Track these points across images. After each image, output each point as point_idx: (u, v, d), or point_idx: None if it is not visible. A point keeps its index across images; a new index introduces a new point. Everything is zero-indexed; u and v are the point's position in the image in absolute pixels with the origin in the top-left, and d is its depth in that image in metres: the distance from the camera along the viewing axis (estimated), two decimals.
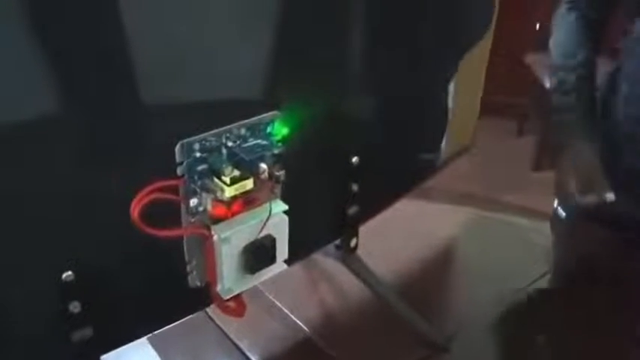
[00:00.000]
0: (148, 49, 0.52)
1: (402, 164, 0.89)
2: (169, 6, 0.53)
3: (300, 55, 0.66)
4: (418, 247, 1.27)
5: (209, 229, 0.59)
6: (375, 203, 0.86)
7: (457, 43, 0.91)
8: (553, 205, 1.01)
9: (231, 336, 1.03)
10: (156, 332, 0.67)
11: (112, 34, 0.50)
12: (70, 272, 0.55)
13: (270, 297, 1.09)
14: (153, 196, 0.55)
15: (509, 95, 1.73)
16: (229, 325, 1.04)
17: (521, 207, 1.41)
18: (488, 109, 1.17)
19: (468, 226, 1.37)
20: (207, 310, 0.93)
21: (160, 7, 0.52)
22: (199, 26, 0.55)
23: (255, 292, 0.65)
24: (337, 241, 0.84)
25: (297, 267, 0.75)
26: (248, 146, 0.60)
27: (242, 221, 0.60)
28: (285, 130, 0.62)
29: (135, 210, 0.54)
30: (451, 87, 0.93)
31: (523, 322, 1.03)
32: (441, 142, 0.98)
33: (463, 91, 0.98)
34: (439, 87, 0.91)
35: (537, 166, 1.64)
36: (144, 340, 0.84)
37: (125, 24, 0.50)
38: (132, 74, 0.52)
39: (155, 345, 0.97)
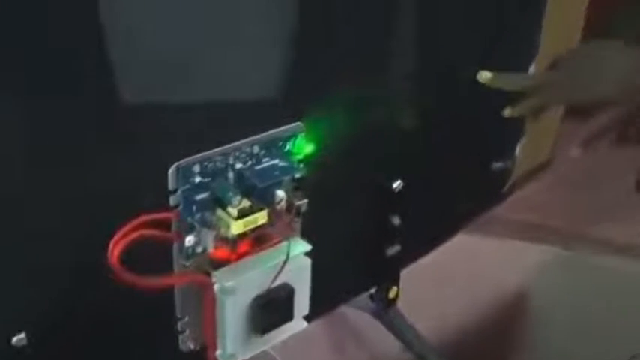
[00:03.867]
0: (137, 39, 0.54)
1: (459, 190, 0.91)
2: None
3: (329, 47, 0.68)
4: (478, 299, 1.28)
5: (209, 275, 0.61)
6: (422, 241, 0.89)
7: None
8: None
9: None
10: None
11: (89, 19, 0.52)
12: (22, 335, 0.56)
13: None
14: (138, 233, 0.57)
15: None
16: None
17: (622, 244, 1.40)
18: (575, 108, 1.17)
19: (547, 270, 1.36)
20: None
21: None
22: (203, 12, 0.58)
23: (263, 356, 0.67)
24: (372, 291, 0.86)
25: (319, 323, 0.76)
26: (262, 169, 0.62)
27: (252, 266, 0.62)
28: (309, 148, 0.64)
29: (114, 252, 0.56)
30: None
31: None
32: (513, 154, 0.99)
33: None
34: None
35: None
36: None
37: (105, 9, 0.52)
38: (110, 68, 0.54)
39: None
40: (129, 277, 0.56)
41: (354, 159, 0.74)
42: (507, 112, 0.87)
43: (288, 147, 0.64)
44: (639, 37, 0.86)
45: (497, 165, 0.98)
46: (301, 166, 0.64)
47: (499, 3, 0.87)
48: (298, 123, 0.64)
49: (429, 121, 0.83)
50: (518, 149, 1.02)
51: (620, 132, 1.68)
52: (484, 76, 0.84)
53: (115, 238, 0.56)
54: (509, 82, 0.86)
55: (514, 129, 0.98)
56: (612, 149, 1.72)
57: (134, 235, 0.57)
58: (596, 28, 0.96)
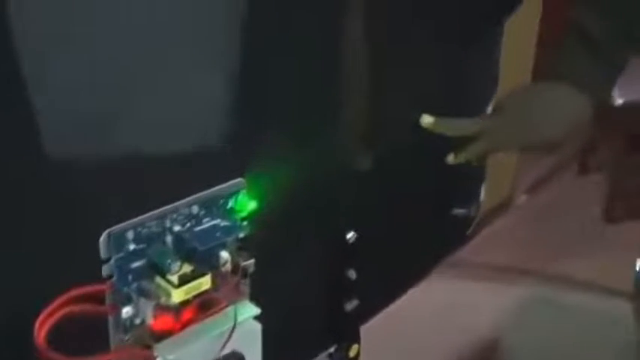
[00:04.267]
0: (60, 89, 0.53)
1: (418, 237, 0.90)
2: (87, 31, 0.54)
3: (270, 97, 0.67)
4: (446, 346, 1.27)
5: (150, 348, 0.59)
6: (381, 294, 0.87)
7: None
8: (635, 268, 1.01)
9: None
10: None
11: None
12: None
13: None
14: (66, 309, 0.55)
15: None
16: None
17: (586, 281, 1.41)
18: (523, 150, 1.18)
19: (516, 311, 1.37)
20: None
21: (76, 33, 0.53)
22: (131, 54, 0.57)
23: None
24: (331, 350, 0.85)
25: None
26: (202, 230, 0.61)
27: (197, 335, 0.60)
28: (252, 204, 0.63)
29: (40, 332, 0.53)
30: None
31: None
32: (477, 198, 0.99)
33: None
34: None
35: (610, 216, 1.63)
36: None
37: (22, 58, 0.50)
38: (29, 121, 0.52)
39: None
40: (58, 358, 0.53)
41: (302, 212, 0.73)
42: (451, 159, 0.85)
43: (229, 205, 0.62)
44: (585, 79, 0.86)
45: (459, 211, 0.97)
46: (245, 224, 0.63)
47: (455, 45, 0.87)
48: (239, 179, 0.62)
49: (382, 168, 0.83)
50: (482, 193, 1.01)
51: (580, 163, 1.71)
52: (426, 120, 0.82)
53: (41, 317, 0.54)
54: (453, 127, 0.85)
55: (476, 173, 0.98)
56: (574, 180, 1.75)
57: (62, 312, 0.55)
58: (544, 69, 0.97)
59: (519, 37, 1.08)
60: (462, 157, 0.86)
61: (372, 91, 0.79)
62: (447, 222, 0.98)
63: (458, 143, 0.86)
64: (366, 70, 0.78)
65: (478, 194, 1.04)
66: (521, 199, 0.90)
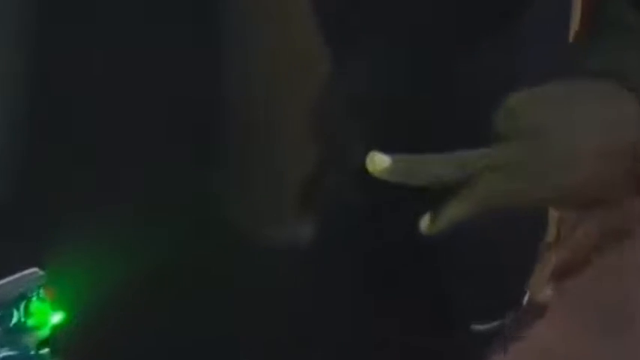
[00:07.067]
0: None
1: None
2: None
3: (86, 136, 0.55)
4: None
5: None
6: None
7: None
8: None
9: None
10: None
11: None
12: None
13: None
14: None
15: None
16: None
17: None
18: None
19: None
20: None
21: None
22: None
23: None
24: None
25: None
26: None
27: None
28: (58, 316, 0.51)
29: None
30: None
31: None
32: (520, 299, 0.82)
33: None
34: None
35: None
36: None
37: None
38: None
39: None
40: None
41: (155, 329, 0.58)
42: (425, 225, 0.68)
43: (15, 318, 0.51)
44: (635, 73, 0.71)
45: (481, 327, 0.81)
46: (45, 352, 0.51)
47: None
48: (34, 269, 0.50)
49: (316, 259, 0.66)
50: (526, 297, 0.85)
51: None
52: (376, 162, 0.65)
53: None
54: (420, 170, 0.68)
55: (526, 252, 0.83)
56: None
57: None
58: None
59: None
60: (444, 223, 0.68)
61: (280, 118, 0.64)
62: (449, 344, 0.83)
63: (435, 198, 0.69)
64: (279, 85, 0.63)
65: (522, 292, 0.88)
66: (546, 293, 0.73)
